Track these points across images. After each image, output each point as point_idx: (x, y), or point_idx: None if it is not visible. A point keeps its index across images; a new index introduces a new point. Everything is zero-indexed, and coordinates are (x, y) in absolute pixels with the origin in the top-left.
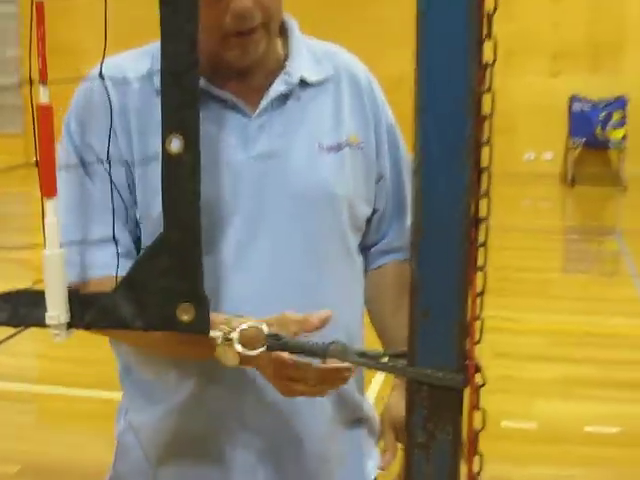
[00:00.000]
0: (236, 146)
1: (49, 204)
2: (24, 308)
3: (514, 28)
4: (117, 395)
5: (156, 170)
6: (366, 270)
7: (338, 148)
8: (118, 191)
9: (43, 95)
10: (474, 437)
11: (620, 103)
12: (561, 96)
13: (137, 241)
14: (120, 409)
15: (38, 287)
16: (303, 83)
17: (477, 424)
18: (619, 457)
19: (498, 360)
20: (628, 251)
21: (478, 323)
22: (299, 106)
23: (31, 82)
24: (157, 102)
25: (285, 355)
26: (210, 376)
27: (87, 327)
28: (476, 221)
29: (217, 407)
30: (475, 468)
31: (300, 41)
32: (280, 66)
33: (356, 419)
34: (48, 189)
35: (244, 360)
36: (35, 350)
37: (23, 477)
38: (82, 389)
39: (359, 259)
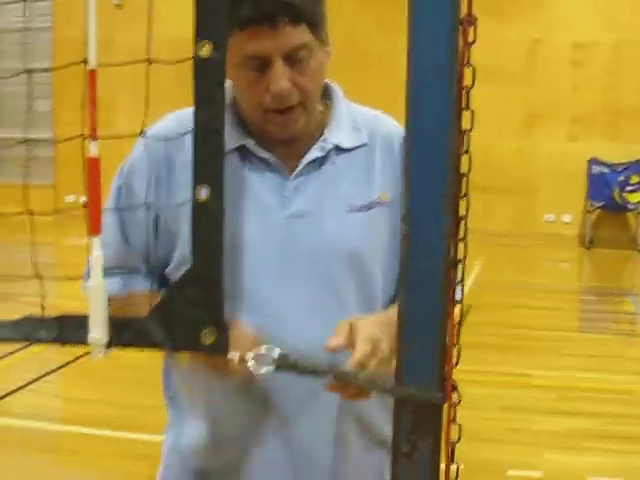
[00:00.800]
0: (273, 204)
1: (94, 241)
2: (69, 329)
3: (534, 93)
4: (135, 436)
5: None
6: None
7: (368, 207)
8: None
9: (93, 149)
10: (452, 447)
11: (638, 166)
12: (580, 160)
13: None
14: (166, 431)
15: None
16: (338, 149)
17: (454, 436)
18: None
19: (507, 413)
20: None
21: (455, 349)
22: (333, 170)
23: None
24: None
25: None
26: (237, 401)
27: (123, 346)
28: (454, 262)
29: (246, 427)
30: (452, 477)
31: (342, 108)
32: (320, 132)
33: (378, 441)
34: (94, 228)
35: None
36: (61, 391)
37: None
38: (104, 430)
39: (384, 296)
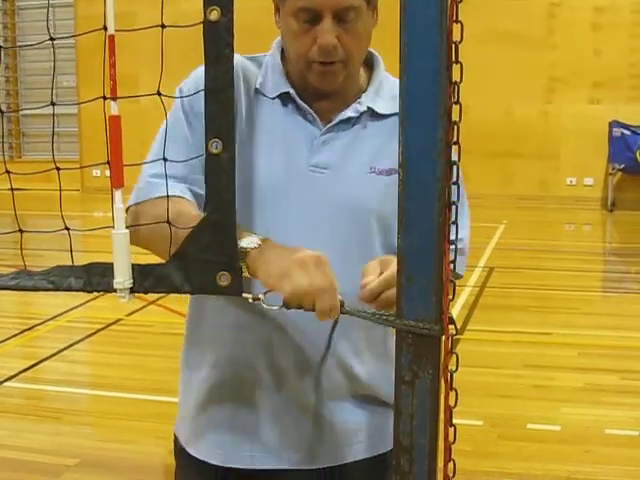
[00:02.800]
0: (301, 153)
1: (117, 193)
2: (96, 277)
3: (555, 57)
4: (164, 399)
5: None
6: None
7: (389, 172)
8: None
9: (114, 109)
10: (450, 376)
11: None
12: (602, 123)
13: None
14: (181, 369)
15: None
16: (373, 113)
17: (452, 366)
18: (637, 457)
19: (529, 371)
20: None
21: (451, 285)
22: (363, 132)
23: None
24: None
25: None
26: (243, 338)
27: (146, 291)
28: (448, 204)
29: (249, 361)
30: (451, 402)
31: (382, 77)
32: (359, 96)
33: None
34: (117, 182)
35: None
36: (88, 358)
37: (82, 469)
38: (133, 393)
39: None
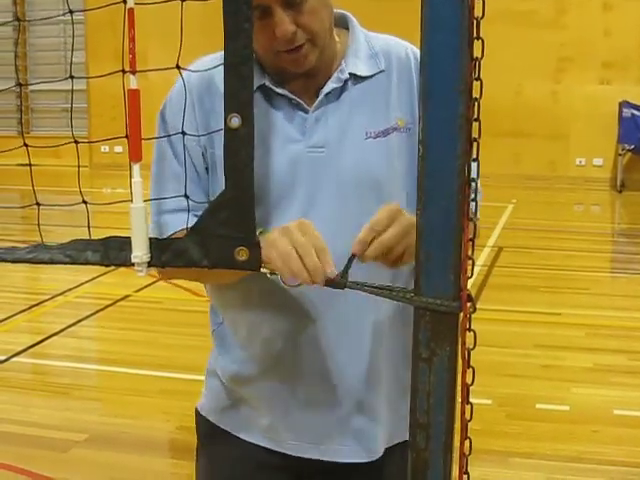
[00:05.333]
0: (295, 137)
1: (135, 167)
2: (113, 251)
3: (566, 37)
4: (171, 375)
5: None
6: None
7: (385, 133)
8: (194, 164)
9: (133, 82)
10: (467, 353)
11: None
12: (611, 103)
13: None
14: (210, 359)
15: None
16: (356, 77)
17: (469, 344)
18: None
19: (538, 350)
20: None
21: (469, 262)
22: (351, 99)
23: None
24: None
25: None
26: (272, 326)
27: (163, 265)
28: (468, 181)
29: (276, 351)
30: (468, 380)
31: (358, 36)
32: (339, 63)
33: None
34: (135, 155)
35: None
36: (96, 334)
37: (90, 444)
38: (141, 369)
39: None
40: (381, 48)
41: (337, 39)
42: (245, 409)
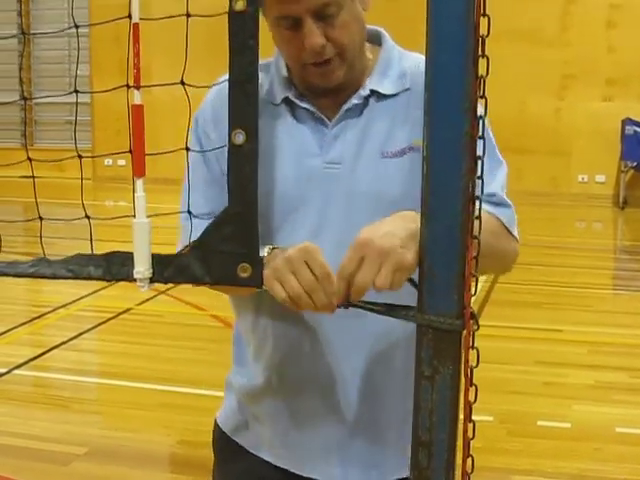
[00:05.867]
0: (314, 152)
1: (138, 182)
2: (115, 266)
3: (570, 54)
4: (172, 388)
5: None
6: None
7: (402, 153)
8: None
9: (137, 98)
10: (470, 371)
11: None
12: (614, 120)
13: None
14: (228, 375)
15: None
16: (379, 95)
17: (472, 361)
18: None
19: (539, 367)
20: None
21: (473, 279)
22: (371, 117)
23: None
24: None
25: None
26: (284, 346)
27: (166, 281)
28: (472, 198)
29: (292, 371)
30: (471, 398)
31: (390, 54)
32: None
33: None
34: (138, 170)
35: None
36: (98, 347)
37: (90, 457)
38: (142, 382)
39: None
40: (411, 66)
41: (370, 56)
42: (253, 423)
